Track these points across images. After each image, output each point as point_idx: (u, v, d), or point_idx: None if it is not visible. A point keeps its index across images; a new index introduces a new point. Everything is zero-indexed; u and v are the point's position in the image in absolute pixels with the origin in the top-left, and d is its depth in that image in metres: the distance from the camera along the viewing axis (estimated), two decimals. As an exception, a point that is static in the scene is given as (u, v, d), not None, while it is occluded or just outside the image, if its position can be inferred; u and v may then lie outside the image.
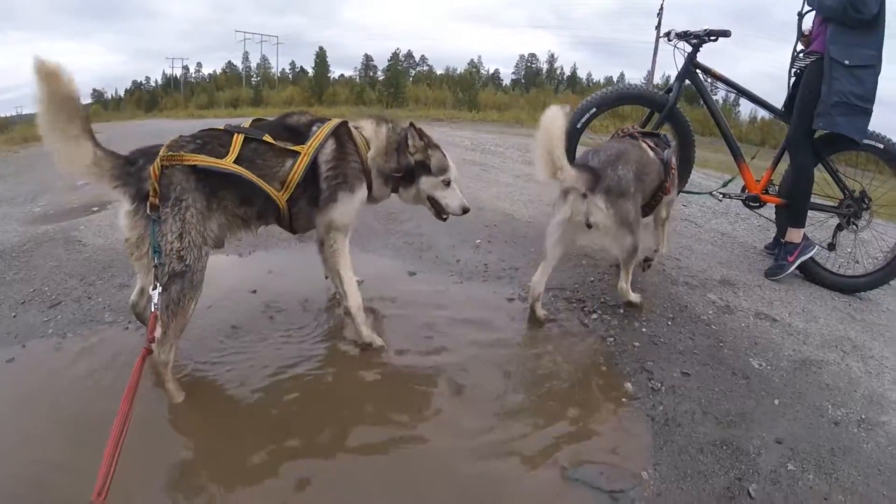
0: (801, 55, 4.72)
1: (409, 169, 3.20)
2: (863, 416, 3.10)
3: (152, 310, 2.30)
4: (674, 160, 4.10)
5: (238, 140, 2.71)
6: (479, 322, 3.56)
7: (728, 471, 2.58)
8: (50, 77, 2.13)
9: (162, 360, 2.60)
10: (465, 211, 3.32)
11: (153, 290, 2.36)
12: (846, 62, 4.21)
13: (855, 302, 4.71)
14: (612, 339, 3.52)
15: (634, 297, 3.78)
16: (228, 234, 2.84)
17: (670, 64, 5.13)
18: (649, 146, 3.88)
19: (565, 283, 4.17)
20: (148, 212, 2.42)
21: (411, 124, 3.19)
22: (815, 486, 2.56)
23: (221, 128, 2.79)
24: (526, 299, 3.83)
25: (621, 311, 3.83)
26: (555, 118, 3.05)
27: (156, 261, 2.40)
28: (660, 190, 3.92)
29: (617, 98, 5.28)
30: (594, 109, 5.19)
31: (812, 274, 4.90)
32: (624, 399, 2.99)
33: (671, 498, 2.39)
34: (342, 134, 3.03)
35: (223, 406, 2.75)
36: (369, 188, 3.15)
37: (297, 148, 2.85)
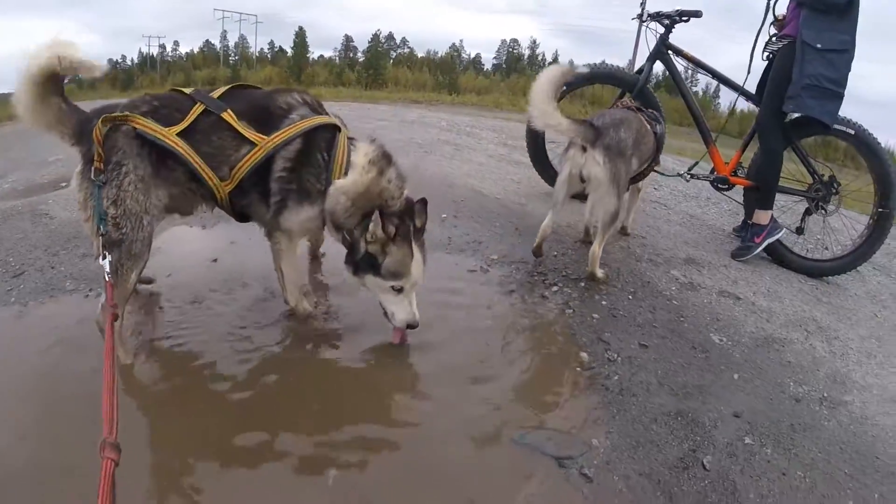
0: (773, 39, 4.64)
1: (353, 249, 2.64)
2: (825, 395, 3.00)
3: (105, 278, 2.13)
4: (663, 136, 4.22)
5: (197, 110, 2.43)
6: (436, 291, 3.39)
7: (682, 442, 2.46)
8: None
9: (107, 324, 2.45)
10: (410, 326, 2.72)
11: (101, 259, 2.18)
12: (818, 46, 4.13)
13: (822, 286, 4.63)
14: (571, 310, 3.40)
15: (600, 272, 3.76)
16: (188, 206, 2.71)
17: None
18: (646, 119, 4.00)
19: (528, 258, 4.04)
20: (91, 176, 2.28)
21: (380, 213, 2.48)
22: (773, 460, 2.44)
23: (187, 92, 2.53)
24: (487, 270, 3.81)
25: (582, 284, 3.71)
26: (552, 71, 3.27)
27: (101, 230, 2.23)
28: (652, 161, 4.11)
29: (588, 77, 5.21)
30: (564, 87, 5.09)
31: (779, 256, 4.82)
32: (579, 368, 2.87)
33: (621, 466, 2.26)
34: (318, 140, 2.55)
35: (178, 377, 2.58)
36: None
37: (256, 137, 2.46)
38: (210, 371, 2.58)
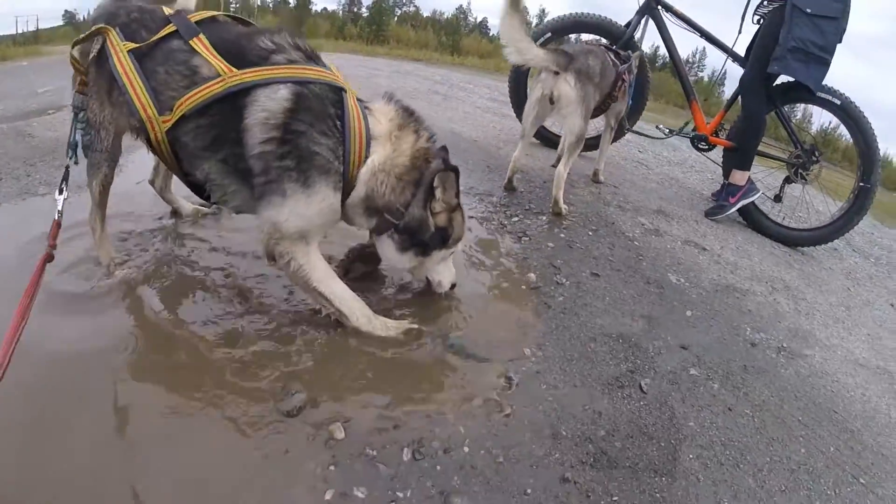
0: (764, 2, 4.46)
1: (414, 225, 2.10)
2: (784, 345, 2.84)
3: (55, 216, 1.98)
4: (628, 75, 4.23)
5: (165, 31, 2.02)
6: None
7: (620, 363, 2.29)
8: None
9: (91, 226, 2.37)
10: (453, 287, 2.41)
11: (57, 193, 2.03)
12: (808, 10, 3.98)
13: (795, 254, 4.48)
14: (527, 238, 3.25)
15: (563, 205, 3.68)
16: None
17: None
18: (611, 58, 4.11)
19: (494, 191, 3.92)
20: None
21: (446, 164, 2.10)
22: (719, 395, 2.27)
23: (168, 10, 2.14)
24: None
25: (543, 218, 3.54)
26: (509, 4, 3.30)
27: (68, 158, 2.13)
28: (610, 95, 4.12)
29: (573, 25, 5.02)
30: (549, 34, 4.94)
31: (754, 221, 4.67)
32: (524, 287, 2.71)
33: (551, 377, 2.10)
34: (322, 100, 1.93)
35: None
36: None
37: (223, 67, 1.92)
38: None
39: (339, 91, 1.96)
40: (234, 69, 1.90)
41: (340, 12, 70.03)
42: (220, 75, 1.90)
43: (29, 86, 7.25)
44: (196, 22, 2.07)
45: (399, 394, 1.89)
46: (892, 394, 2.76)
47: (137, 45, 2.01)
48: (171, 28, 2.02)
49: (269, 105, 1.86)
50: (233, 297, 2.27)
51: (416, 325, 2.19)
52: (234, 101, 1.89)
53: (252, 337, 2.05)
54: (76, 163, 2.13)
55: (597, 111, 4.15)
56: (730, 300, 3.12)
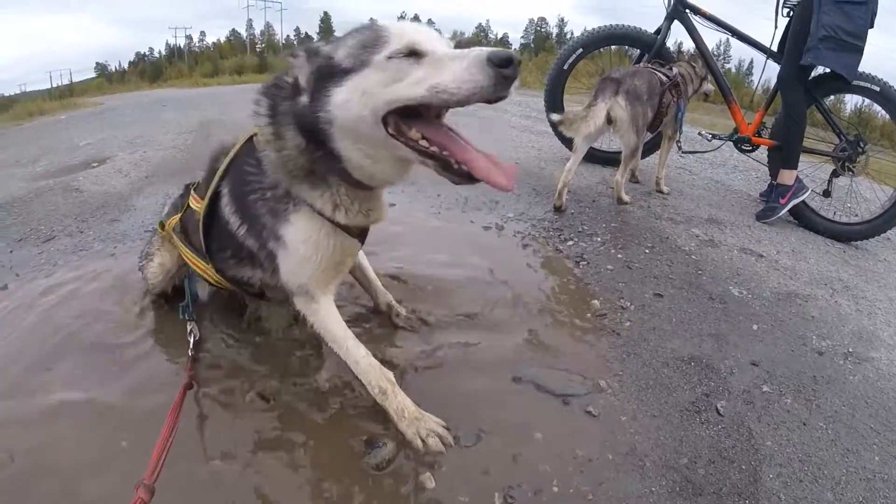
0: None
1: None
2: (850, 350, 2.86)
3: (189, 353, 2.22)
4: (682, 76, 4.51)
5: (189, 201, 2.29)
6: (449, 246, 3.35)
7: (695, 386, 2.35)
8: None
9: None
10: None
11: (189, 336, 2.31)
12: None
13: (850, 249, 4.45)
14: (585, 262, 3.31)
15: (626, 196, 4.38)
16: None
17: (681, 29, 4.94)
18: (660, 76, 4.35)
19: (545, 216, 3.99)
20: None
21: None
22: (792, 410, 2.32)
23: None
24: (502, 227, 3.76)
25: (598, 238, 3.61)
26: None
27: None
28: (659, 112, 4.34)
29: (605, 38, 5.08)
30: (580, 50, 5.03)
31: (805, 219, 4.65)
32: (589, 315, 2.77)
33: (629, 407, 2.17)
34: (242, 158, 1.99)
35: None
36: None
37: (196, 207, 2.16)
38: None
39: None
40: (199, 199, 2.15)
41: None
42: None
43: (70, 140, 7.51)
44: None
45: (480, 434, 1.95)
46: (960, 386, 2.75)
47: (178, 214, 2.37)
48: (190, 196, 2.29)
49: (224, 200, 2.04)
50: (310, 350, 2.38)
51: (446, 430, 1.93)
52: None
53: (333, 390, 2.14)
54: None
55: (652, 128, 4.43)
56: (793, 308, 3.15)
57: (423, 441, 1.86)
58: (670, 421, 2.14)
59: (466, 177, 1.54)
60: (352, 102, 1.55)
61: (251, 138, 1.95)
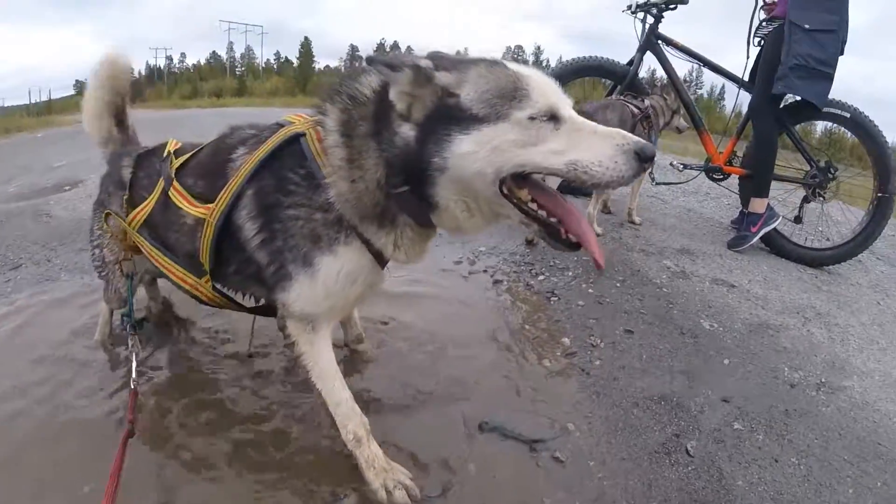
0: (763, 24, 4.56)
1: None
2: (823, 380, 2.86)
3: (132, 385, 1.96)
4: (654, 108, 4.51)
5: (158, 188, 1.99)
6: (418, 281, 3.30)
7: (665, 427, 2.32)
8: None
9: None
10: None
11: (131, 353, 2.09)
12: (806, 26, 4.06)
13: (822, 275, 4.49)
14: (556, 298, 3.29)
15: (598, 228, 4.32)
16: None
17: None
18: (631, 108, 4.36)
19: (517, 249, 3.98)
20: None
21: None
22: (764, 446, 2.30)
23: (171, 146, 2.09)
24: (474, 262, 3.74)
25: (569, 273, 3.60)
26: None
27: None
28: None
29: (578, 70, 5.10)
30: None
31: (776, 246, 4.69)
32: (559, 353, 2.75)
33: (598, 451, 2.13)
34: (282, 162, 1.73)
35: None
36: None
37: (200, 212, 1.83)
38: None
39: (295, 139, 1.72)
40: (209, 206, 1.80)
41: (342, 68, 71.37)
42: (204, 219, 1.82)
43: (45, 160, 7.35)
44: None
45: (446, 485, 1.89)
46: (936, 407, 2.75)
47: (145, 211, 2.06)
48: (161, 184, 1.98)
49: (243, 210, 1.77)
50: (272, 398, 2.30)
51: (411, 482, 1.83)
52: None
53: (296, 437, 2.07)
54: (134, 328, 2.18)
55: None
56: (764, 339, 3.15)
57: (388, 493, 1.77)
58: (639, 464, 2.10)
59: (571, 246, 1.48)
60: (477, 156, 1.40)
61: (294, 138, 1.72)
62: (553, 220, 1.47)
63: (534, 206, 1.48)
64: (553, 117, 1.40)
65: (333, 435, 1.93)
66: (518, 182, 1.46)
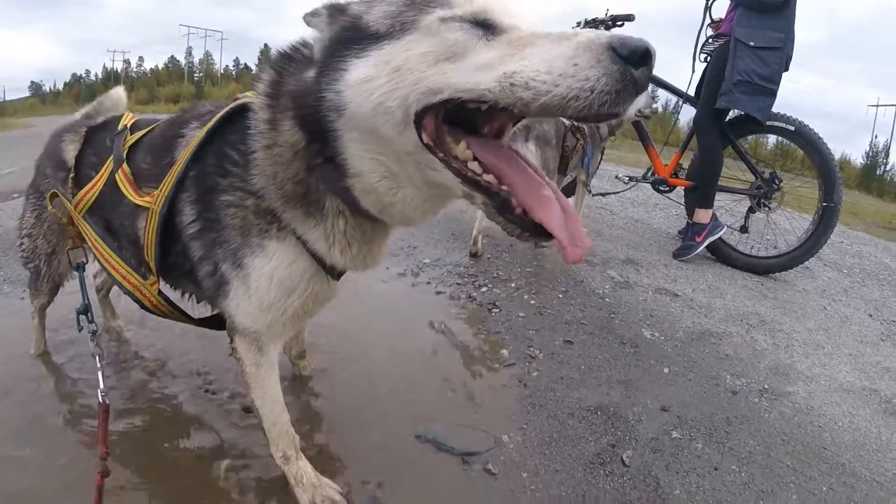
0: (710, 40, 4.63)
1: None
2: (766, 387, 2.82)
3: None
4: (585, 127, 4.30)
5: (105, 169, 1.76)
6: (361, 294, 3.20)
7: (600, 437, 2.26)
8: None
9: None
10: None
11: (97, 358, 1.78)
12: (751, 43, 4.13)
13: (768, 282, 4.50)
14: (497, 309, 3.24)
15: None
16: None
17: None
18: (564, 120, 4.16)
19: (461, 261, 3.94)
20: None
21: None
22: (703, 454, 2.25)
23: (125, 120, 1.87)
24: (418, 273, 3.70)
25: (512, 284, 3.56)
26: None
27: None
28: (563, 156, 4.21)
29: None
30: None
31: (723, 255, 4.72)
32: (497, 365, 2.69)
33: (531, 463, 2.07)
34: (221, 143, 1.48)
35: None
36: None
37: (144, 201, 1.59)
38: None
39: (244, 110, 1.44)
40: (153, 193, 1.56)
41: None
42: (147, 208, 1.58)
43: None
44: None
45: (376, 499, 1.83)
46: (881, 412, 2.76)
47: (90, 196, 1.80)
48: (109, 165, 1.75)
49: (188, 192, 1.52)
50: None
51: (342, 496, 1.73)
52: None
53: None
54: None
55: (559, 171, 4.29)
56: (706, 348, 3.12)
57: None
58: (573, 475, 2.04)
59: (530, 228, 1.06)
60: (375, 82, 1.07)
61: (244, 107, 1.44)
62: (504, 188, 1.07)
63: (475, 166, 1.09)
64: (484, 23, 1.04)
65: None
66: (453, 131, 1.10)
